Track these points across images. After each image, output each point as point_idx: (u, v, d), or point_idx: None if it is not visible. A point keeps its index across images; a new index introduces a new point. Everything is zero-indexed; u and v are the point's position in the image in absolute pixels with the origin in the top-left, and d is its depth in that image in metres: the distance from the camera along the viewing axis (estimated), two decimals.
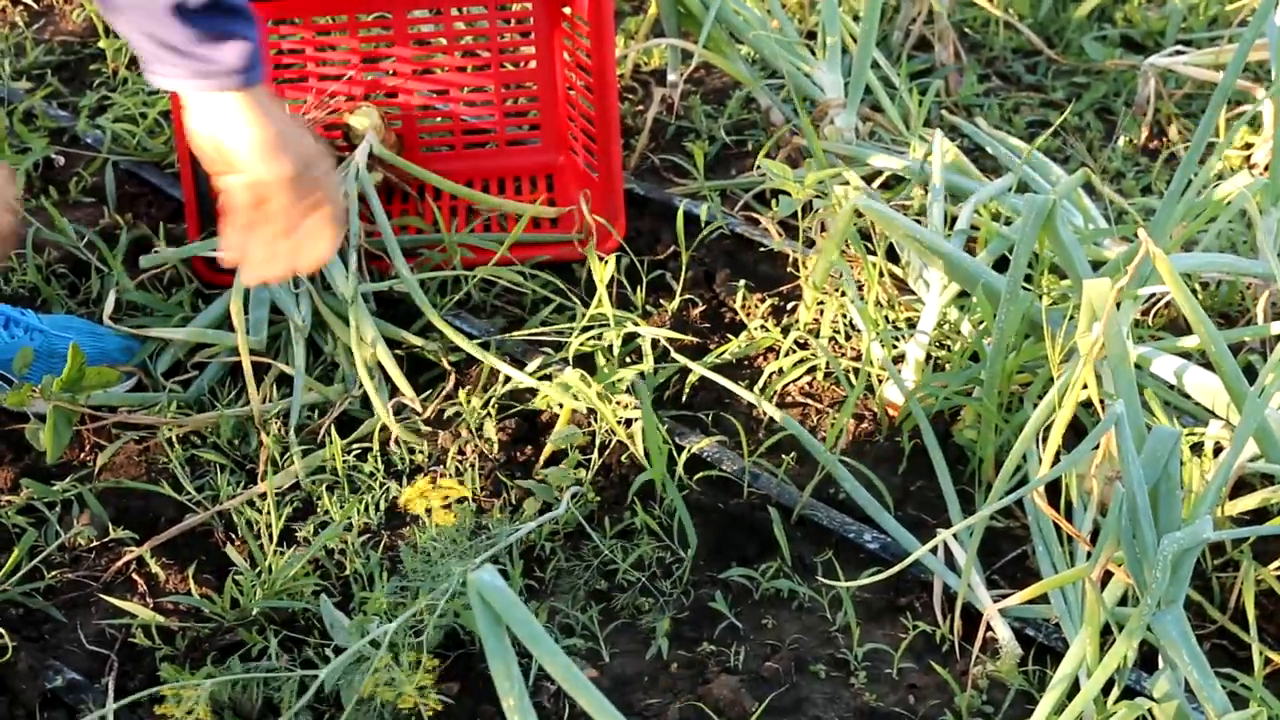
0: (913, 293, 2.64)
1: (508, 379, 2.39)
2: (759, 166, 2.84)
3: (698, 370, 2.43)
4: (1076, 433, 2.18)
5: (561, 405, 2.32)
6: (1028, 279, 2.50)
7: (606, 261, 2.47)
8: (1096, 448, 1.80)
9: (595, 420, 2.30)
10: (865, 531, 2.21)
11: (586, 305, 2.52)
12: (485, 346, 2.42)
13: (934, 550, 2.11)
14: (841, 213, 2.38)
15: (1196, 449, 2.19)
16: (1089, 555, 1.83)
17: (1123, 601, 1.90)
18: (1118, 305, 2.10)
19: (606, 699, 1.32)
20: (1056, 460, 2.03)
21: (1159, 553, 1.67)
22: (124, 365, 2.34)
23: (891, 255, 2.70)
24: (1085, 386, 1.92)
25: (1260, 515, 2.18)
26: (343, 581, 2.05)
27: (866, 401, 2.44)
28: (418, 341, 2.45)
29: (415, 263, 2.59)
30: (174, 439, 2.25)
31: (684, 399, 2.43)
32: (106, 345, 2.38)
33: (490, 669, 1.18)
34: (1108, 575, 1.80)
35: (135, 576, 2.04)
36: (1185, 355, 2.29)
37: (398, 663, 1.87)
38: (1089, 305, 1.98)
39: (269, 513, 2.10)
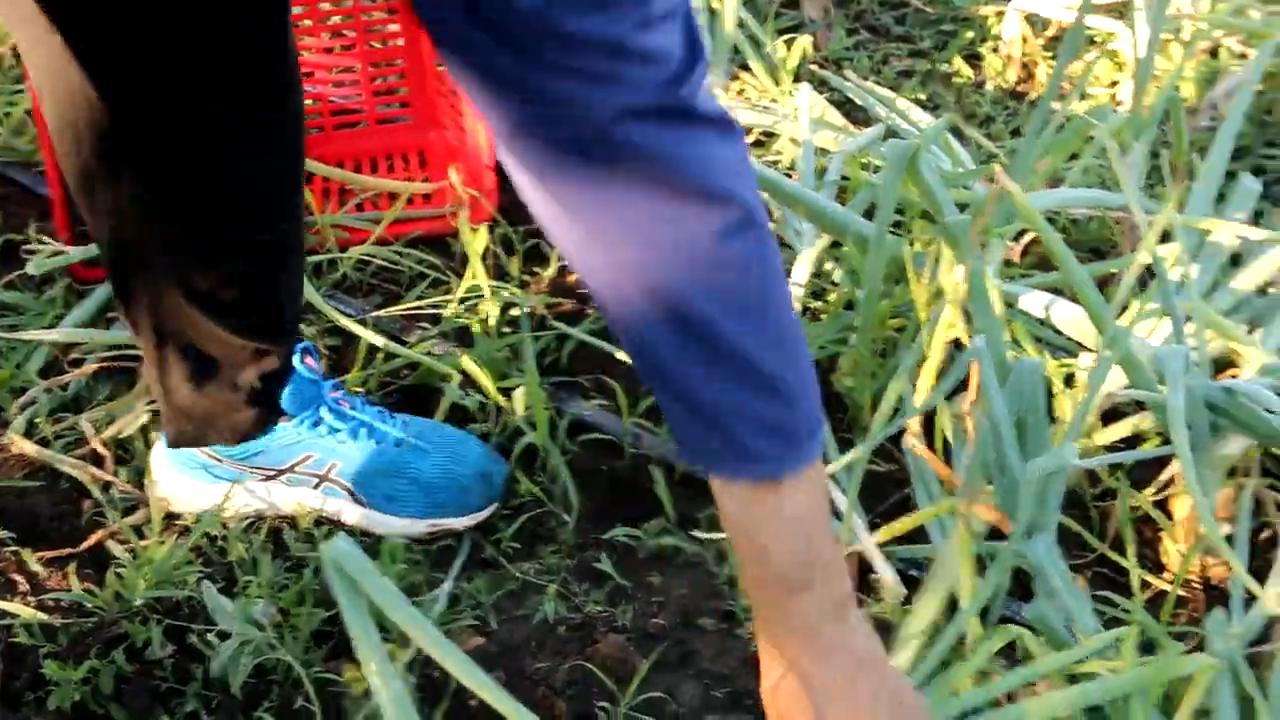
0: (790, 247, 2.66)
1: (387, 355, 2.38)
2: None
3: (576, 336, 2.44)
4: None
5: (442, 379, 2.32)
6: (900, 226, 2.52)
7: (478, 231, 2.47)
8: (966, 385, 1.83)
9: (474, 391, 2.30)
10: None
11: (462, 278, 2.52)
12: (363, 325, 2.41)
13: None
14: None
15: (1071, 381, 2.22)
16: None
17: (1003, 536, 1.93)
18: (982, 244, 2.13)
19: (485, 668, 1.33)
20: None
21: (1023, 478, 1.69)
22: None
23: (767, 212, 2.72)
24: (954, 326, 1.94)
25: (1133, 443, 2.21)
26: (226, 567, 2.04)
27: None
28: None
29: None
30: (49, 437, 2.23)
31: (563, 365, 2.43)
32: None
33: (351, 638, 1.18)
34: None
35: (15, 576, 2.02)
36: (1058, 292, 2.32)
37: (283, 641, 1.87)
38: (950, 243, 2.00)
39: (150, 504, 2.09)
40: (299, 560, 2.05)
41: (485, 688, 1.19)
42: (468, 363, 2.30)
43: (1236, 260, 2.53)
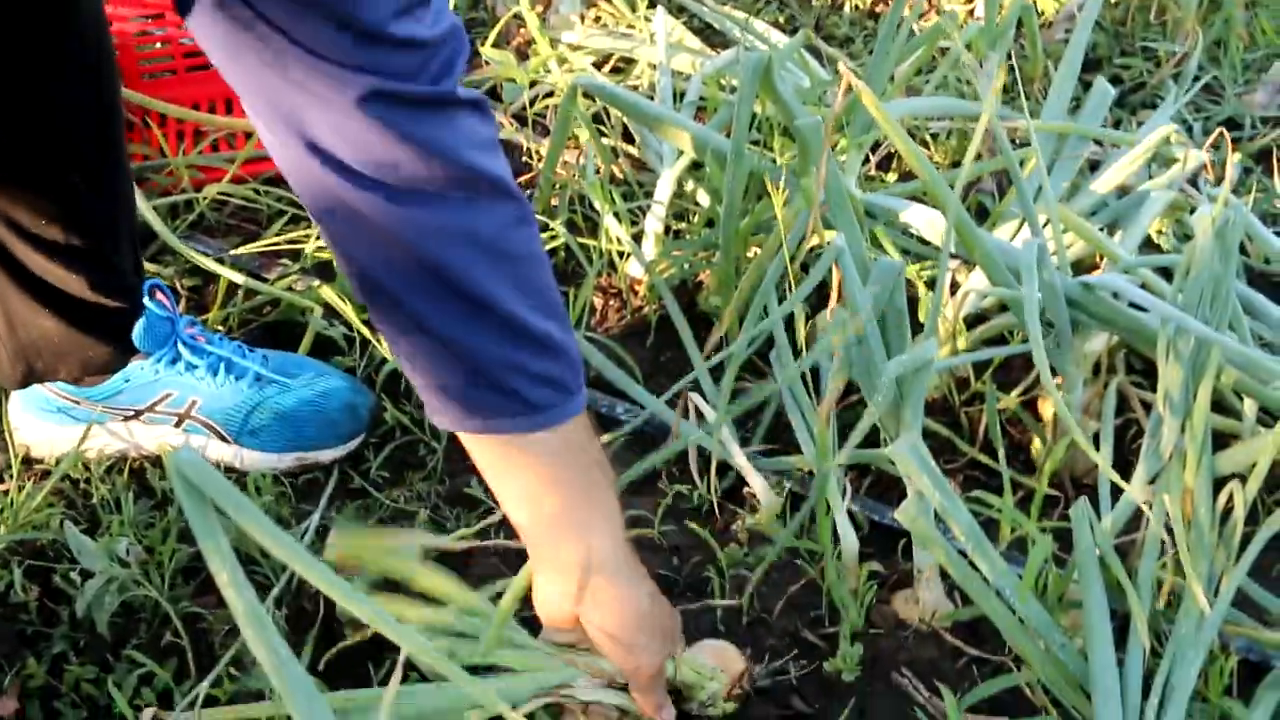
0: (651, 170, 2.64)
1: (248, 293, 2.34)
2: (488, 61, 2.83)
3: None
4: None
5: (304, 314, 2.29)
6: (761, 144, 2.51)
7: None
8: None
9: (338, 323, 2.27)
10: (617, 405, 2.21)
11: None
12: (221, 263, 2.37)
13: (686, 415, 2.11)
14: (565, 94, 2.37)
15: (933, 286, 2.22)
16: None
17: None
18: (838, 150, 2.13)
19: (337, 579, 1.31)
20: (796, 316, 2.06)
21: (884, 374, 1.69)
22: None
23: (630, 138, 2.71)
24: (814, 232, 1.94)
25: (999, 345, 2.22)
26: (89, 510, 2.00)
27: (610, 279, 2.44)
28: (152, 267, 2.39)
29: (143, 189, 2.52)
30: None
31: None
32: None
33: (202, 550, 1.15)
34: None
35: None
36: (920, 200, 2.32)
37: (149, 580, 1.83)
38: (805, 148, 1.99)
39: (9, 449, 2.05)
40: (163, 499, 2.01)
41: (339, 591, 1.17)
42: (330, 294, 2.27)
43: (1094, 168, 2.55)
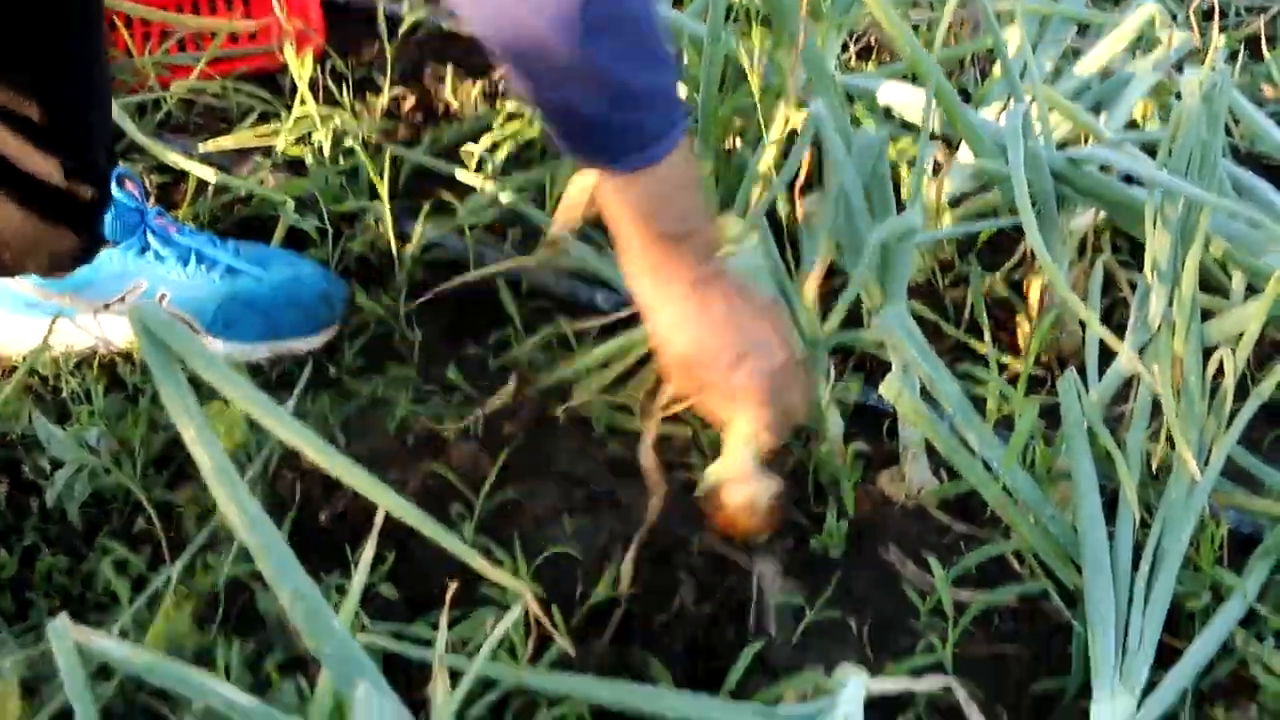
0: None
1: (218, 189, 2.30)
2: None
3: (412, 159, 2.37)
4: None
5: (276, 208, 2.25)
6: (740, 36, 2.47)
7: (305, 59, 2.39)
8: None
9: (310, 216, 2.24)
10: (597, 293, 2.18)
11: (292, 110, 2.44)
12: (190, 159, 2.33)
13: None
14: None
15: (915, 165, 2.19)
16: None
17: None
18: (818, 23, 2.09)
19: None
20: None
21: (869, 242, 1.66)
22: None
23: None
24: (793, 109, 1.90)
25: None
26: (59, 404, 1.96)
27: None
28: (121, 165, 2.34)
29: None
30: None
31: (401, 190, 2.36)
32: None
33: (166, 406, 1.11)
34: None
35: None
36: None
37: (121, 468, 1.80)
38: (781, 21, 1.95)
39: None
40: (134, 391, 1.97)
41: (315, 447, 1.14)
42: (303, 186, 2.23)
43: (1078, 53, 2.51)
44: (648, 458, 1.84)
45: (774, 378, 1.70)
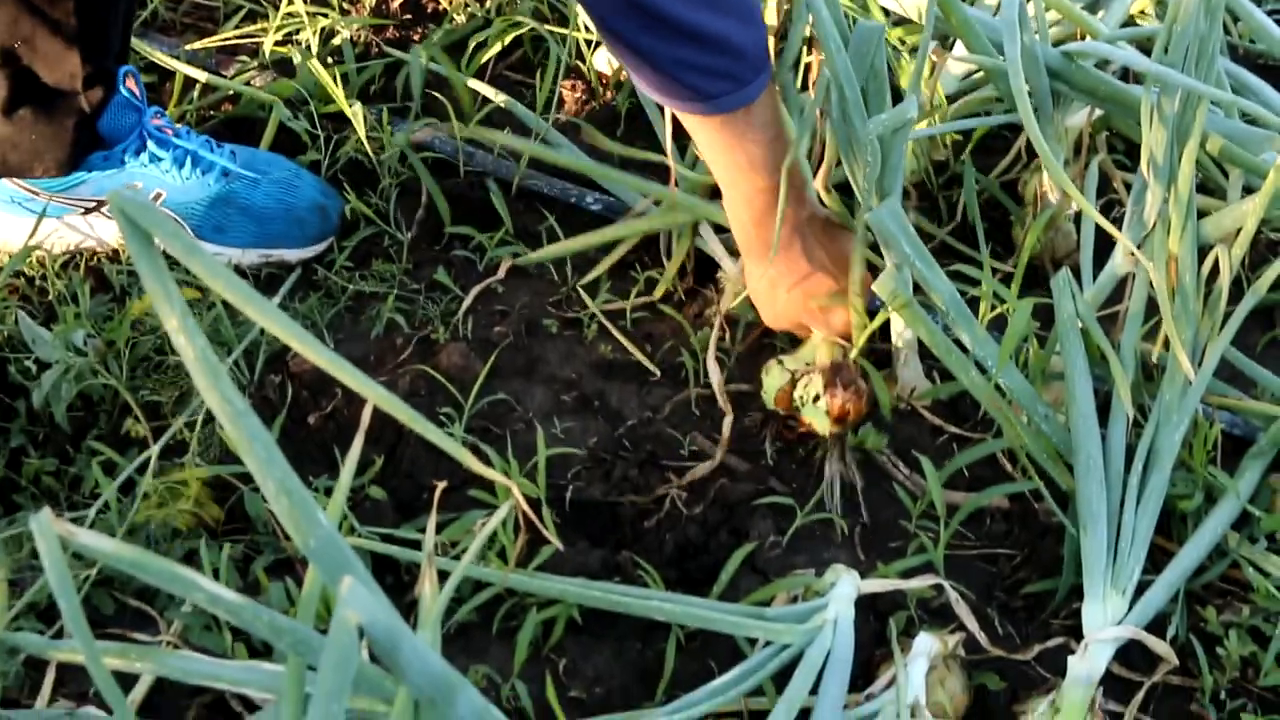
0: None
1: (205, 89, 2.27)
2: None
3: (402, 58, 2.34)
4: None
5: (264, 109, 2.22)
6: None
7: None
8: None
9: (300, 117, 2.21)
10: (587, 195, 2.16)
11: (279, 9, 2.40)
12: (177, 60, 2.30)
13: (658, 203, 2.06)
14: None
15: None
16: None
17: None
18: None
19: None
20: None
21: (865, 132, 1.64)
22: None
23: None
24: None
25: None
26: (45, 305, 1.95)
27: (580, 71, 2.38)
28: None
29: None
30: None
31: (393, 91, 2.33)
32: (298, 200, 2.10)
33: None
34: None
35: None
36: None
37: (107, 368, 1.78)
38: None
39: None
40: (122, 293, 1.96)
41: (301, 340, 1.12)
42: (292, 87, 2.20)
43: None
44: (715, 374, 1.86)
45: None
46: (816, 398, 1.78)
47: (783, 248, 1.79)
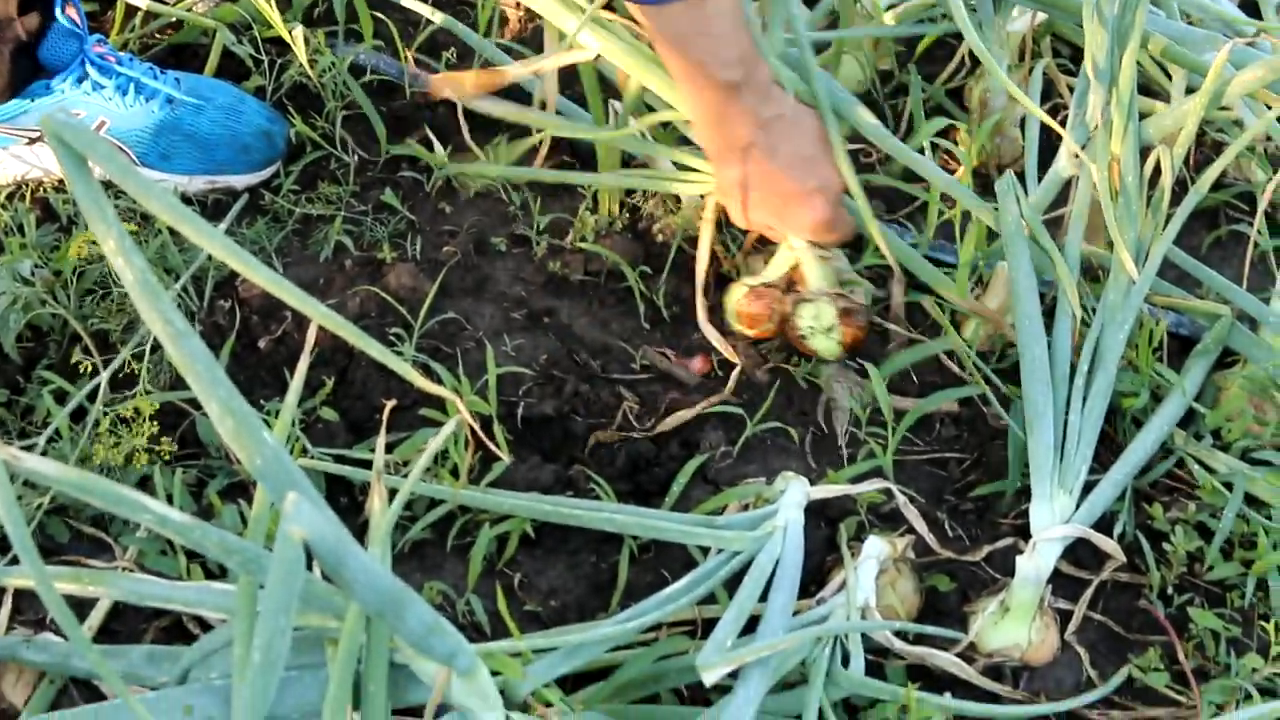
0: None
1: (147, 17, 2.26)
2: None
3: None
4: None
5: (208, 35, 2.21)
6: None
7: None
8: None
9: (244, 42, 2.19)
10: (534, 112, 2.15)
11: None
12: None
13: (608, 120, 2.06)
14: None
15: None
16: None
17: None
18: None
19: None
20: None
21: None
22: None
23: None
24: None
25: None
26: None
27: None
28: None
29: None
30: None
31: (336, 15, 2.31)
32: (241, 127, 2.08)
33: (84, 215, 1.09)
34: None
35: None
36: None
37: (54, 298, 1.78)
38: None
39: None
40: (69, 223, 1.95)
41: (248, 264, 1.12)
42: (235, 12, 2.18)
43: None
44: (708, 330, 1.87)
45: (836, 206, 1.79)
46: (830, 328, 1.78)
47: (746, 147, 1.75)
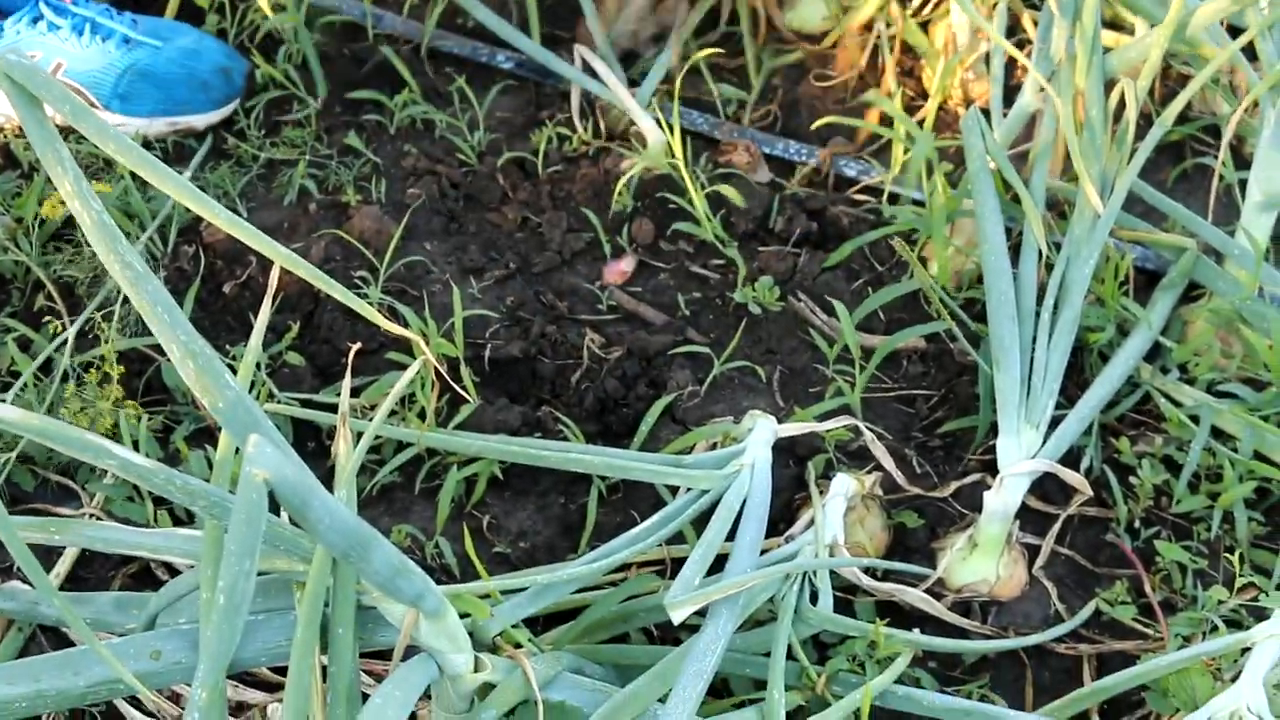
0: None
1: None
2: None
3: None
4: None
5: None
6: None
7: None
8: None
9: None
10: (498, 53, 2.14)
11: None
12: None
13: (570, 61, 2.06)
14: None
15: None
16: None
17: None
18: None
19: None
20: None
21: None
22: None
23: None
24: None
25: None
26: None
27: None
28: None
29: None
30: None
31: None
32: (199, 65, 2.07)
33: (39, 160, 1.08)
34: None
35: None
36: None
37: (17, 244, 1.77)
38: None
39: None
40: (30, 170, 1.93)
41: (211, 209, 1.11)
42: None
43: None
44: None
45: None
46: None
47: None
